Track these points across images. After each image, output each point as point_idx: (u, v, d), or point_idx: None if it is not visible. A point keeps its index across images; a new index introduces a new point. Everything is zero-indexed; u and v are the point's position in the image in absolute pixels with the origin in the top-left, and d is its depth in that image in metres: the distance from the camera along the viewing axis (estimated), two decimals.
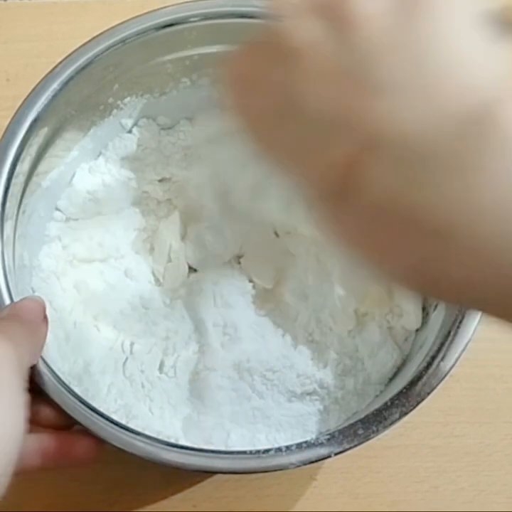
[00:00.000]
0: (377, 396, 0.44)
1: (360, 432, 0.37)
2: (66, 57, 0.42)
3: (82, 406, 0.36)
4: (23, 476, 0.32)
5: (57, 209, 0.47)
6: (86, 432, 0.36)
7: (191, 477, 0.48)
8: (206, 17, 0.44)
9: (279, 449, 0.37)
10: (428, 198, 0.25)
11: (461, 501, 0.48)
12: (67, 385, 0.37)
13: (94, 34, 0.43)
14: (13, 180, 0.40)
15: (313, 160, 0.27)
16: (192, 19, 0.44)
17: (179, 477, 0.48)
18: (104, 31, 0.43)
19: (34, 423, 0.35)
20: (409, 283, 0.29)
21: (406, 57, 0.26)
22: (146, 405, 0.44)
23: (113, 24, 0.43)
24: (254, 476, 0.47)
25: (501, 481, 0.49)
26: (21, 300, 0.37)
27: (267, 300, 0.47)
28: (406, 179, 0.26)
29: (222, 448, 0.42)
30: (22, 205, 0.42)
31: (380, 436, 0.37)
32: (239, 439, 0.43)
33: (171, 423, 0.43)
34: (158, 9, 0.44)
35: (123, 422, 0.38)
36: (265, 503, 0.48)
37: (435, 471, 0.49)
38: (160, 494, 0.47)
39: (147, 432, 0.38)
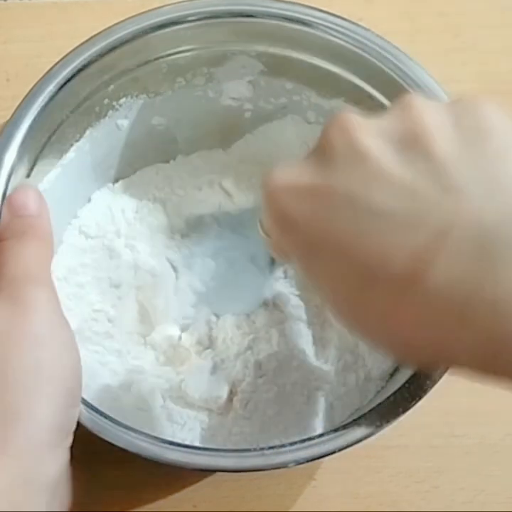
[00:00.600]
0: (378, 392, 0.44)
1: (365, 427, 0.37)
2: (62, 59, 0.42)
3: (84, 405, 0.36)
4: None
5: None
6: None
7: (191, 477, 0.48)
8: (202, 16, 0.44)
9: (283, 446, 0.37)
10: (497, 288, 0.26)
11: (461, 501, 0.48)
12: None
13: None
14: (11, 184, 0.39)
15: (377, 250, 0.28)
16: (188, 19, 0.44)
17: (179, 477, 0.48)
18: (99, 32, 0.43)
19: None
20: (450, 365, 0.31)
21: (478, 162, 0.28)
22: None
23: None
24: (254, 475, 0.47)
25: (501, 481, 0.49)
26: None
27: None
28: (475, 270, 0.27)
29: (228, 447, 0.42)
30: None
31: (383, 432, 0.37)
32: (244, 439, 0.43)
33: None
34: (152, 9, 0.44)
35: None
36: (265, 503, 0.48)
37: (435, 471, 0.49)
38: (160, 494, 0.47)
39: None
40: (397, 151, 0.29)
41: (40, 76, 0.42)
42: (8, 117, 0.41)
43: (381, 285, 0.28)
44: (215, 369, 0.45)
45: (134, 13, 0.44)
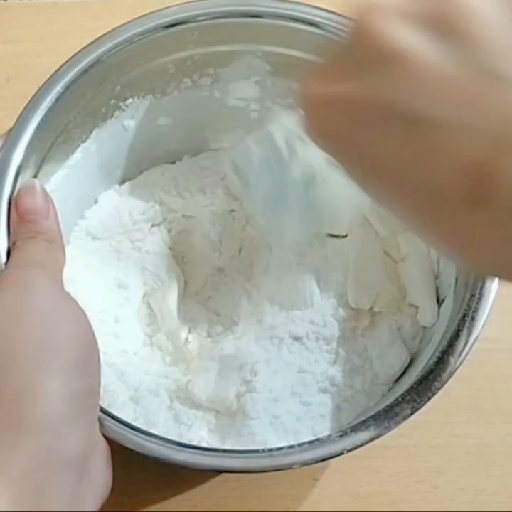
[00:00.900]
0: (384, 395, 0.44)
1: (372, 428, 0.37)
2: (69, 60, 0.42)
3: None
4: None
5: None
6: None
7: (192, 477, 0.48)
8: (208, 17, 0.44)
9: (291, 447, 0.37)
10: None
11: (461, 501, 0.48)
12: None
13: (94, 34, 0.43)
14: (18, 185, 0.39)
15: (433, 169, 0.25)
16: (194, 19, 0.44)
17: (179, 477, 0.48)
18: (106, 33, 0.43)
19: None
20: None
21: None
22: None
23: (113, 24, 0.43)
24: (254, 475, 0.47)
25: (501, 481, 0.49)
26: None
27: None
28: None
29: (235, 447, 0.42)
30: None
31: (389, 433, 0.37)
32: (251, 440, 0.43)
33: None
34: (159, 10, 0.44)
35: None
36: (265, 503, 0.48)
37: (435, 471, 0.49)
38: (160, 494, 0.47)
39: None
40: (435, 42, 0.25)
41: (40, 76, 0.42)
42: (8, 117, 0.41)
43: (446, 207, 0.25)
44: (222, 370, 0.45)
45: (134, 13, 0.44)
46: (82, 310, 0.34)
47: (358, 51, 0.27)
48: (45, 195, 0.39)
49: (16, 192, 0.39)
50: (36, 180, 0.40)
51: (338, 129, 0.28)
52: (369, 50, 0.26)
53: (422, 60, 0.24)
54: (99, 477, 0.34)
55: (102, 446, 0.35)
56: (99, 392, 0.34)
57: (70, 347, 0.32)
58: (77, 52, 0.42)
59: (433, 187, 0.25)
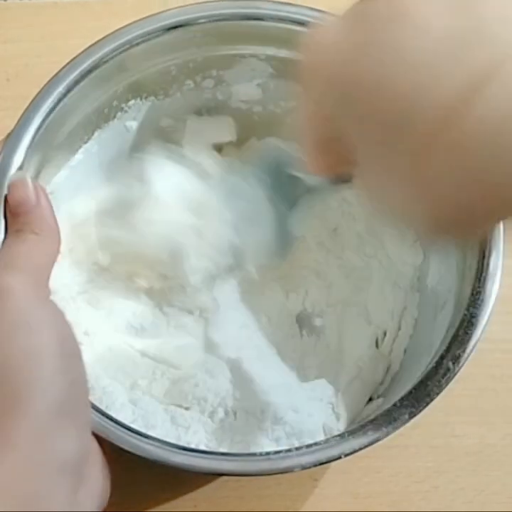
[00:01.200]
0: (385, 397, 0.44)
1: (370, 432, 0.37)
2: (71, 61, 0.42)
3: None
4: None
5: None
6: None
7: (192, 478, 0.48)
8: (210, 19, 0.44)
9: (288, 451, 0.37)
10: None
11: (461, 501, 0.48)
12: None
13: (95, 34, 0.43)
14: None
15: (410, 88, 0.26)
16: (196, 22, 0.44)
17: (179, 477, 0.48)
18: (109, 34, 0.43)
19: None
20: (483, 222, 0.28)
21: None
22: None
23: (113, 24, 0.43)
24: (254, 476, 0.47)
25: (501, 481, 0.49)
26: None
27: None
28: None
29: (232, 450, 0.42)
30: None
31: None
32: (248, 443, 0.43)
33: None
34: (162, 12, 0.44)
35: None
36: (265, 503, 0.48)
37: (435, 471, 0.49)
38: (160, 494, 0.47)
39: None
40: (442, 7, 0.26)
41: (40, 76, 0.42)
42: (8, 117, 0.41)
43: (414, 128, 0.26)
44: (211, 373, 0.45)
45: (134, 14, 0.44)
46: (59, 311, 0.34)
47: (373, 11, 0.28)
48: (34, 185, 0.38)
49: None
50: (25, 173, 0.39)
51: (333, 60, 0.29)
52: (384, 9, 0.27)
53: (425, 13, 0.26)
54: (95, 486, 0.34)
55: (96, 455, 0.34)
56: (87, 397, 0.34)
57: (49, 353, 0.31)
58: (79, 54, 0.42)
59: (408, 106, 0.26)
